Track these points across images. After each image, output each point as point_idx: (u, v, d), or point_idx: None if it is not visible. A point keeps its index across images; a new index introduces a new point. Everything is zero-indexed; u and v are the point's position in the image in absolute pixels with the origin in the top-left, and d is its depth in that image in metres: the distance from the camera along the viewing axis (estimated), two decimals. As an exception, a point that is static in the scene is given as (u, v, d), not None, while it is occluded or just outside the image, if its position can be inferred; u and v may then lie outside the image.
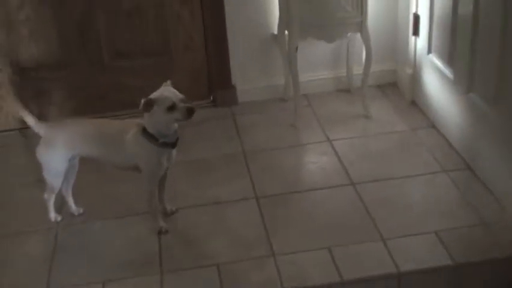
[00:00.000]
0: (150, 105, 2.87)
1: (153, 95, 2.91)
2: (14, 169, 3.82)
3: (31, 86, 4.15)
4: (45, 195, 3.25)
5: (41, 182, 3.24)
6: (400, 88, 4.37)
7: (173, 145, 3.01)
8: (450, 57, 3.63)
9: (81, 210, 3.37)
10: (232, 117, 4.21)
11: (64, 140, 3.11)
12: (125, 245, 3.16)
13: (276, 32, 4.20)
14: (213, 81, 4.28)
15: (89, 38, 4.11)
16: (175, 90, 2.94)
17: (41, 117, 4.07)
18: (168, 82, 3.00)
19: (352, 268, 2.90)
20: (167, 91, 2.94)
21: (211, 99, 4.34)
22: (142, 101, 2.87)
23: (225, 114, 4.24)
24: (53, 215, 3.31)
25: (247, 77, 4.31)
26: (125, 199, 3.44)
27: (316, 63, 4.31)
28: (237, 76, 4.28)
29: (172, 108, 2.88)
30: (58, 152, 3.11)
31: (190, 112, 2.89)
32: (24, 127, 4.05)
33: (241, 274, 2.91)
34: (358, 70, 4.32)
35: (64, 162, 3.14)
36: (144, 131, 2.97)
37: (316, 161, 3.69)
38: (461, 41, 3.48)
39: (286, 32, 4.09)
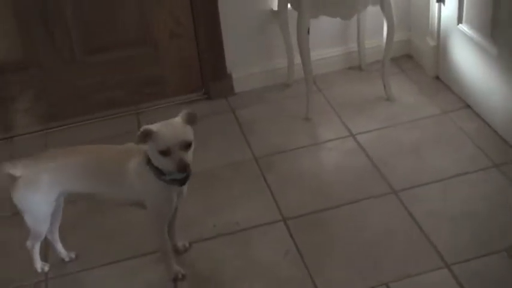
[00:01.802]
0: (146, 136, 2.25)
1: (153, 127, 2.27)
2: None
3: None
4: (29, 243, 2.65)
5: (17, 216, 2.60)
6: (418, 62, 3.80)
7: (182, 182, 2.39)
8: (492, 29, 3.07)
9: (73, 255, 2.77)
10: (231, 111, 3.62)
11: (48, 178, 2.48)
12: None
13: (275, 8, 3.58)
14: (205, 71, 3.66)
15: (56, 31, 3.43)
16: (182, 130, 2.31)
17: (7, 129, 3.47)
18: (184, 112, 2.34)
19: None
20: (170, 128, 2.29)
21: (203, 92, 3.70)
22: (140, 130, 2.25)
23: (223, 109, 3.64)
24: (39, 264, 2.71)
25: (244, 63, 3.72)
26: (126, 236, 2.84)
27: (322, 39, 3.73)
28: (232, 63, 3.67)
29: (165, 153, 2.26)
30: (42, 194, 2.49)
31: (180, 167, 2.27)
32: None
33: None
34: (369, 44, 3.75)
35: (50, 204, 2.53)
36: (149, 161, 2.35)
37: (343, 164, 3.15)
38: (508, 9, 2.91)
39: (288, 6, 3.47)
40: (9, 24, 3.39)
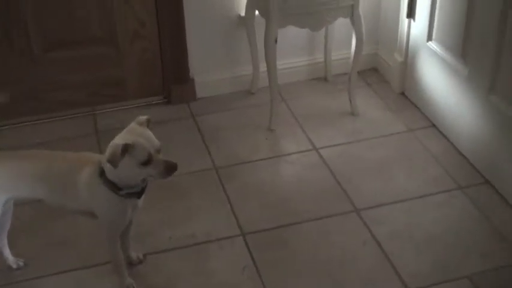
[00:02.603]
0: (125, 151, 2.12)
1: (127, 140, 2.14)
2: None
3: None
4: None
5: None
6: (385, 76, 3.74)
7: (139, 195, 2.28)
8: (463, 48, 3.02)
9: (21, 263, 2.64)
10: (192, 117, 3.51)
11: None
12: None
13: (243, 14, 3.47)
14: (167, 74, 3.53)
15: (13, 24, 3.27)
16: (151, 134, 2.19)
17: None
18: (143, 118, 2.22)
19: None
20: (142, 137, 2.17)
21: (164, 96, 3.58)
22: (115, 148, 2.11)
23: (184, 114, 3.53)
24: (-16, 270, 2.56)
25: (208, 68, 3.61)
26: (79, 244, 2.71)
27: (288, 48, 3.63)
28: (196, 67, 3.56)
29: (146, 163, 2.13)
30: None
31: (169, 170, 2.16)
32: None
33: None
34: (336, 55, 3.68)
35: None
36: (103, 174, 2.22)
37: (305, 179, 3.06)
38: (480, 29, 2.86)
39: (256, 13, 3.38)
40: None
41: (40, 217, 2.76)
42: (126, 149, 2.10)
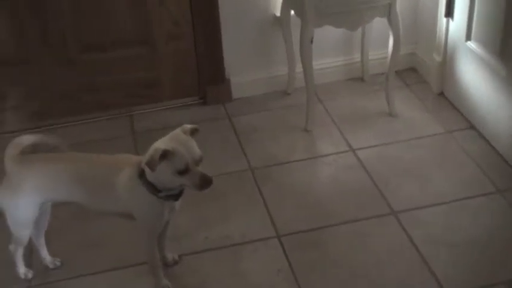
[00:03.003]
0: (163, 157, 2.11)
1: (167, 146, 2.13)
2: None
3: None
4: (11, 247, 2.53)
5: (1, 219, 2.46)
6: (423, 76, 3.69)
7: (177, 197, 2.27)
8: (502, 48, 2.96)
9: (58, 263, 2.65)
10: (228, 118, 3.49)
11: (33, 184, 2.35)
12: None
13: (278, 14, 3.45)
14: (203, 75, 3.53)
15: (51, 26, 3.30)
16: (194, 145, 2.17)
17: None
18: (188, 127, 2.21)
19: None
20: (184, 145, 2.15)
21: (200, 96, 3.57)
22: (154, 152, 2.10)
23: (219, 115, 3.52)
24: (22, 270, 2.59)
25: (244, 68, 3.60)
26: (115, 245, 2.72)
27: (325, 48, 3.61)
28: (231, 68, 3.54)
29: (183, 172, 2.12)
30: (24, 199, 2.37)
31: (204, 183, 2.15)
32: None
33: None
34: (373, 55, 3.64)
35: (34, 210, 2.41)
36: (142, 175, 2.22)
37: (342, 180, 3.03)
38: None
39: (292, 12, 3.35)
40: (1, 17, 3.23)
41: (77, 217, 2.77)
42: (165, 154, 2.10)
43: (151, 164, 2.09)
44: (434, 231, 2.70)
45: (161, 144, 2.13)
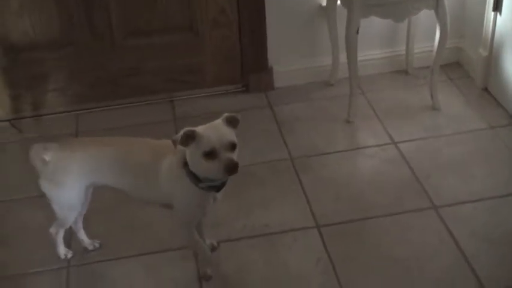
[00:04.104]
0: (189, 137, 2.11)
1: (196, 128, 2.13)
2: (8, 179, 3.07)
3: (24, 70, 3.40)
4: (52, 230, 2.56)
5: (44, 198, 2.47)
6: (468, 71, 3.64)
7: (219, 188, 2.26)
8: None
9: (97, 244, 2.68)
10: (269, 107, 3.48)
11: (78, 168, 2.36)
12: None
13: (324, 4, 3.43)
14: (246, 63, 3.52)
15: (96, 10, 3.31)
16: (227, 132, 2.16)
17: (36, 107, 3.38)
18: (226, 115, 2.20)
19: None
20: (214, 129, 2.14)
21: (242, 84, 3.57)
22: (182, 131, 2.11)
23: (261, 103, 3.52)
24: (62, 251, 2.62)
25: (287, 58, 3.58)
26: (153, 228, 2.74)
27: (370, 39, 3.56)
28: (274, 56, 3.52)
29: (210, 155, 2.11)
30: (70, 184, 2.37)
31: (228, 168, 2.11)
32: (16, 117, 3.34)
33: None
34: (418, 48, 3.60)
35: (77, 195, 2.41)
36: (186, 165, 2.21)
37: (383, 173, 3.00)
38: None
39: (338, 2, 3.32)
40: (48, 2, 3.26)
41: (116, 200, 2.77)
42: (193, 135, 2.10)
43: (175, 141, 2.10)
44: (475, 227, 2.66)
45: (194, 128, 2.13)
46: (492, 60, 3.42)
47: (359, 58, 3.25)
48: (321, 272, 2.51)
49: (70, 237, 2.69)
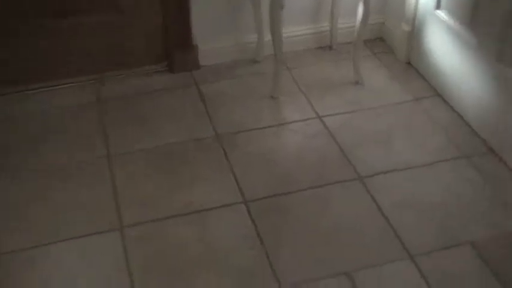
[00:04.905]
0: None
1: None
2: None
3: None
4: None
5: None
6: (391, 46, 3.69)
7: None
8: (472, 17, 2.97)
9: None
10: (195, 85, 3.47)
11: None
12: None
13: (248, -20, 3.43)
14: (169, 41, 3.49)
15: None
16: None
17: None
18: None
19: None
20: None
21: (167, 63, 3.54)
22: None
23: (187, 82, 3.49)
24: None
25: (212, 35, 3.56)
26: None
27: (294, 16, 3.57)
28: (199, 34, 3.51)
29: None
30: None
31: None
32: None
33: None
34: (342, 24, 3.64)
35: None
36: None
37: (309, 147, 3.03)
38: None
39: (261, -22, 3.33)
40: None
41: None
42: None
43: None
44: (400, 196, 2.72)
45: None
46: (414, 35, 3.47)
47: (284, 35, 3.26)
48: (249, 247, 2.52)
49: None
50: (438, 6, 3.22)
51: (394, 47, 3.66)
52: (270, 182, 2.81)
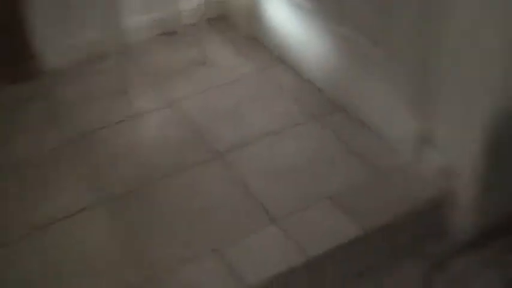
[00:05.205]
0: None
1: None
2: None
3: None
4: None
5: None
6: (234, 22, 3.76)
7: None
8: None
9: None
10: (40, 94, 3.35)
11: None
12: None
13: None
14: (7, 54, 3.37)
15: None
16: None
17: None
18: None
19: (254, 269, 2.35)
20: None
21: (9, 76, 3.42)
22: None
23: (30, 92, 3.36)
24: None
25: (54, 37, 3.45)
26: None
27: (133, 5, 3.54)
28: (39, 39, 3.40)
29: None
30: None
31: None
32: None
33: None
34: (184, 6, 3.65)
35: None
36: None
37: (165, 134, 3.04)
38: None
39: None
40: None
41: None
42: None
43: None
44: (259, 164, 2.79)
45: None
46: (255, 8, 3.53)
47: (125, 26, 3.22)
48: (118, 245, 2.50)
49: None
50: (276, -23, 3.29)
51: (238, 22, 3.72)
52: (131, 176, 2.80)
